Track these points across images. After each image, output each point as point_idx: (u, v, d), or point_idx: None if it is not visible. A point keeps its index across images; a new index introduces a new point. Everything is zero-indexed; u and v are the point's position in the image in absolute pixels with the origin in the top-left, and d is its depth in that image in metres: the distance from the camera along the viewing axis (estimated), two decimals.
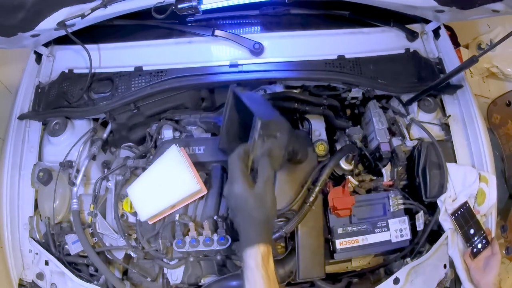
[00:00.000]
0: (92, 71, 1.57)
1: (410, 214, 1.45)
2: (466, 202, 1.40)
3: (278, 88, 1.68)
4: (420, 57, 1.68)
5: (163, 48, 1.66)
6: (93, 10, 1.37)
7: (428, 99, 1.61)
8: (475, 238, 1.38)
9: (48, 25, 1.40)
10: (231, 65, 1.56)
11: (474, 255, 1.36)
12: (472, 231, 1.38)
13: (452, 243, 1.38)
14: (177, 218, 1.31)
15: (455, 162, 1.50)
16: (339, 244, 1.33)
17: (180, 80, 1.52)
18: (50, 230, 1.42)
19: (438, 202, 1.42)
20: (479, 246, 1.37)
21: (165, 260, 1.36)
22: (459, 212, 1.39)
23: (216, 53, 1.65)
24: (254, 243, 0.88)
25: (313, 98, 1.59)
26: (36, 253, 1.42)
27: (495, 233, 1.46)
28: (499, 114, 2.26)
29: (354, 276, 1.42)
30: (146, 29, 1.71)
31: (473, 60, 1.30)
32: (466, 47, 2.74)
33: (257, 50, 1.59)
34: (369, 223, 1.37)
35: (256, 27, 1.76)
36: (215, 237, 1.26)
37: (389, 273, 1.39)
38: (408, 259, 1.38)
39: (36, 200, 1.48)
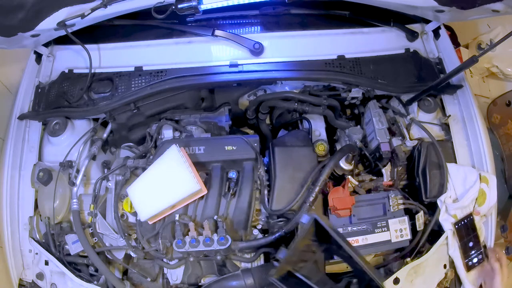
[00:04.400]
0: (92, 71, 1.57)
1: (410, 214, 1.45)
2: (470, 214, 1.39)
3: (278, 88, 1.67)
4: (420, 57, 1.68)
5: (163, 48, 1.66)
6: (93, 10, 1.37)
7: (428, 99, 1.61)
8: (472, 252, 1.38)
9: (48, 25, 1.40)
10: (231, 65, 1.56)
11: (469, 268, 1.36)
12: (471, 244, 1.38)
13: (452, 243, 1.38)
14: (177, 218, 1.31)
15: (455, 162, 1.50)
16: None
17: (180, 80, 1.52)
18: (50, 230, 1.42)
19: (438, 202, 1.42)
20: (475, 260, 1.37)
21: (165, 260, 1.36)
22: (462, 223, 1.38)
23: (216, 53, 1.65)
24: None
25: (313, 98, 1.59)
26: (36, 253, 1.43)
27: (495, 233, 1.46)
28: (499, 114, 2.26)
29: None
30: (146, 29, 1.71)
31: (473, 60, 1.30)
32: (466, 47, 2.74)
33: (257, 50, 1.59)
34: (369, 223, 1.37)
35: (256, 27, 1.76)
36: (215, 237, 1.26)
37: (389, 273, 1.39)
38: (408, 259, 1.38)
39: (36, 200, 1.49)
